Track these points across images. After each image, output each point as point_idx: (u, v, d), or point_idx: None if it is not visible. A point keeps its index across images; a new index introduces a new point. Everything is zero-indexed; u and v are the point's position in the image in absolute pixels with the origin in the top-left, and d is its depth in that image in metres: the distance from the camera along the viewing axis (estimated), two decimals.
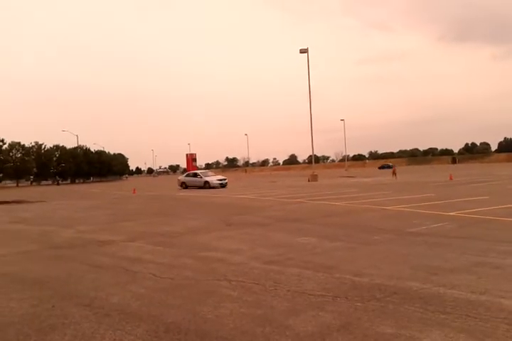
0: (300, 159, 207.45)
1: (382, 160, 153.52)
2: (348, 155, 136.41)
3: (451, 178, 31.74)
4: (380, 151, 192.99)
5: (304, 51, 41.65)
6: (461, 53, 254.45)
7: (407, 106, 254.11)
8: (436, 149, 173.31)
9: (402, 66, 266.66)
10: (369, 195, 20.33)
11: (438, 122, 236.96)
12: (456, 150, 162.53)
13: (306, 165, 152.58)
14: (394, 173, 40.17)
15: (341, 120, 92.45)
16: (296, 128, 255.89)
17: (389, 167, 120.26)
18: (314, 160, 50.08)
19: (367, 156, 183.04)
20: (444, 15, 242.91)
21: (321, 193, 22.83)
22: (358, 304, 4.56)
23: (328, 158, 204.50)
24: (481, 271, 5.83)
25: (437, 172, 49.93)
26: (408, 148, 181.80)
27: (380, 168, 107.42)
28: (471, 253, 6.93)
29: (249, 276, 5.95)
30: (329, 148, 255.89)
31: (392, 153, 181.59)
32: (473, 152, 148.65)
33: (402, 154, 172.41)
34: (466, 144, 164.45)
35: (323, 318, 4.18)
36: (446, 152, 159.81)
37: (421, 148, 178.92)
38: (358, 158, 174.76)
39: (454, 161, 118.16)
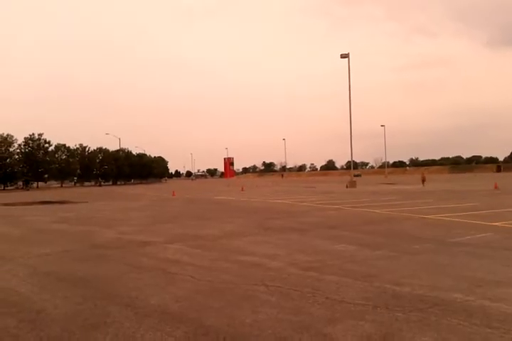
0: (338, 165, 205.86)
1: (424, 167, 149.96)
2: (388, 162, 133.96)
3: (496, 187, 30.62)
4: (421, 158, 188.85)
5: (344, 56, 41.34)
6: (508, 59, 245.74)
7: (451, 113, 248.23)
8: (481, 157, 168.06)
9: (446, 72, 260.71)
10: (410, 202, 19.88)
11: (483, 129, 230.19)
12: (501, 159, 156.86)
13: (344, 170, 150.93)
14: (423, 181, 39.22)
15: (382, 126, 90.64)
16: (335, 134, 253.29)
17: (359, 175, 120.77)
18: (353, 166, 49.42)
19: (407, 163, 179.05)
20: (491, 20, 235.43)
21: (359, 200, 22.51)
22: (399, 314, 4.46)
23: (367, 164, 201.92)
24: None
25: (481, 181, 48.27)
26: (451, 155, 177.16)
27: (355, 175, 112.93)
28: None
29: (286, 282, 5.92)
30: (368, 154, 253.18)
31: (434, 160, 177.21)
32: None
33: (445, 162, 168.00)
34: None
35: (363, 328, 4.10)
36: (491, 160, 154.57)
37: (464, 156, 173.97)
38: (399, 164, 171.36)
39: (498, 169, 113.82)
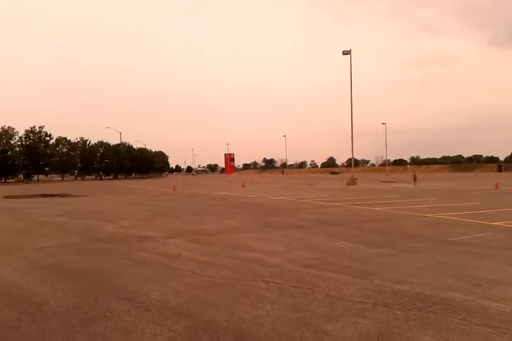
0: (338, 162, 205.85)
1: (424, 165, 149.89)
2: (389, 160, 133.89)
3: (496, 186, 30.60)
4: (422, 157, 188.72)
5: (346, 53, 41.19)
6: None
7: (453, 111, 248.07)
8: (481, 156, 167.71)
9: (449, 70, 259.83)
10: (410, 201, 19.88)
11: (484, 129, 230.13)
12: (502, 158, 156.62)
13: (345, 168, 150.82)
14: (414, 179, 39.23)
15: (383, 124, 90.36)
16: (336, 131, 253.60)
17: (336, 173, 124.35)
18: (353, 163, 49.38)
19: (408, 161, 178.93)
20: (496, 18, 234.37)
21: (360, 198, 22.51)
22: (399, 312, 4.47)
23: (367, 161, 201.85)
24: None
25: (482, 180, 48.24)
26: (452, 154, 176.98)
27: (332, 173, 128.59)
28: None
29: (286, 278, 5.94)
30: (369, 151, 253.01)
31: (434, 159, 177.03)
32: None
33: (445, 160, 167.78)
34: None
35: (363, 325, 4.11)
36: (492, 159, 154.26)
37: (465, 155, 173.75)
38: (399, 162, 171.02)
39: (499, 169, 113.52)
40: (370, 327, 4.08)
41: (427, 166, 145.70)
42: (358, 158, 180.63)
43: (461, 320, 4.25)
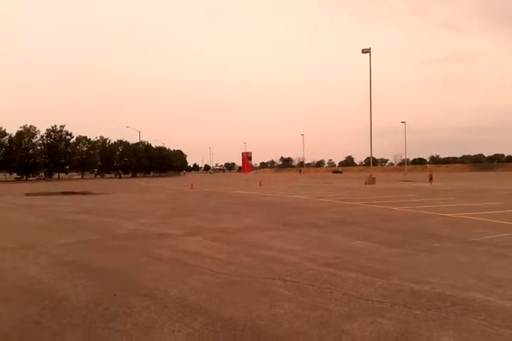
0: (357, 161, 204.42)
1: (444, 165, 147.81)
2: (408, 159, 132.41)
3: None
4: (442, 156, 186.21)
5: (366, 51, 40.85)
6: None
7: (474, 110, 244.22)
8: (503, 155, 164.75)
9: (470, 68, 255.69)
10: (430, 200, 19.64)
11: (506, 128, 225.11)
12: None
13: (363, 167, 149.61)
14: (430, 179, 38.61)
15: (402, 122, 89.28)
16: (354, 130, 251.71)
17: (339, 172, 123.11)
18: (372, 162, 48.96)
19: (428, 161, 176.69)
20: None
21: (378, 197, 22.32)
22: (418, 312, 4.42)
23: (386, 160, 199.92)
24: None
25: (503, 180, 47.37)
26: (472, 153, 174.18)
27: (334, 172, 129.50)
28: None
29: (304, 277, 5.92)
30: (388, 150, 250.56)
31: (455, 158, 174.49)
32: None
33: (466, 160, 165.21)
34: None
35: (381, 325, 4.08)
36: None
37: (486, 154, 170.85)
38: (419, 162, 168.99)
39: None
40: (389, 326, 4.04)
41: (446, 165, 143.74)
42: (377, 156, 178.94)
43: (482, 321, 4.18)
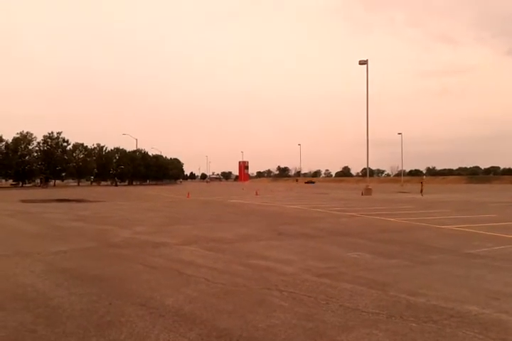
0: (353, 171, 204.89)
1: (441, 176, 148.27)
2: (404, 170, 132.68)
3: None
4: (438, 168, 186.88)
5: (363, 63, 41.13)
6: None
7: (470, 122, 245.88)
8: (499, 168, 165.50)
9: (466, 80, 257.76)
10: (426, 212, 19.67)
11: (502, 140, 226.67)
12: None
13: (360, 178, 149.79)
14: (421, 190, 38.92)
15: (399, 134, 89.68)
16: (351, 140, 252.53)
17: (312, 182, 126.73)
18: (369, 173, 49.05)
19: (424, 172, 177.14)
20: None
21: (374, 208, 22.34)
22: (414, 325, 4.42)
23: (383, 171, 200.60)
24: None
25: (499, 192, 47.51)
26: (469, 165, 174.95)
27: (306, 182, 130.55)
28: None
29: (300, 288, 5.91)
30: (384, 161, 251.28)
31: (451, 170, 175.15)
32: None
33: (462, 172, 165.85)
34: None
35: (377, 337, 4.07)
36: (510, 171, 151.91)
37: (482, 167, 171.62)
38: (415, 173, 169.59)
39: None
40: (385, 338, 4.03)
41: (443, 177, 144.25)
42: (374, 167, 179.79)
43: (478, 334, 4.18)
